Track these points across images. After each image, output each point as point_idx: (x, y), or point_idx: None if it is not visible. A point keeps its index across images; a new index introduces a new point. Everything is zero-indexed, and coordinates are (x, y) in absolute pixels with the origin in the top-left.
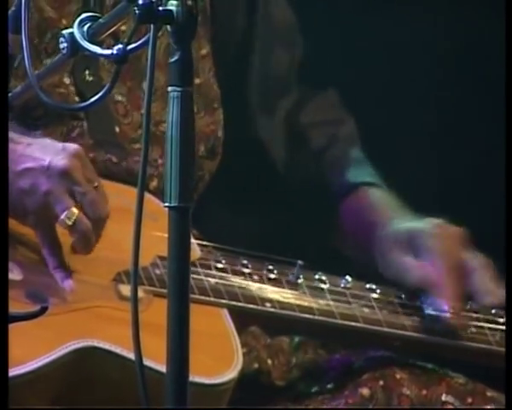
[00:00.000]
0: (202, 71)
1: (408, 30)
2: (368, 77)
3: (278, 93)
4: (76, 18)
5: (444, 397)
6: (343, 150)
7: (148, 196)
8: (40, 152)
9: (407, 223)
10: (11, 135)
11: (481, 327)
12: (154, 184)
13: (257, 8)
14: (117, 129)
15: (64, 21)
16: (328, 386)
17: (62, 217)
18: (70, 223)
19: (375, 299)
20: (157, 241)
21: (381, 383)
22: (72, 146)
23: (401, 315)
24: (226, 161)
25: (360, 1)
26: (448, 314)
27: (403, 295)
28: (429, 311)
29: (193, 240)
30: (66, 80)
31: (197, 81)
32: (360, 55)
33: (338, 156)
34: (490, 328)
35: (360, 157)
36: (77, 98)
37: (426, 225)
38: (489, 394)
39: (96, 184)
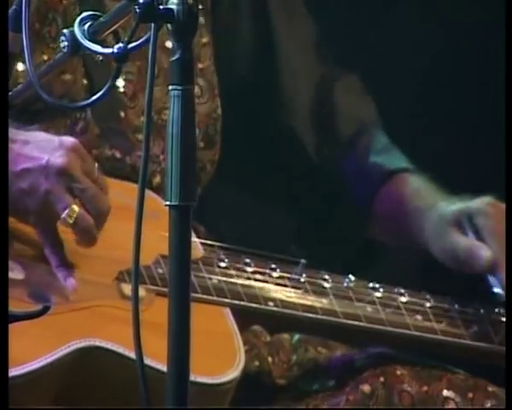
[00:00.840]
0: (204, 57)
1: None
2: (386, 64)
3: (303, 81)
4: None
5: (445, 393)
6: (371, 137)
7: (150, 193)
8: (37, 151)
9: (457, 204)
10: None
11: (483, 326)
12: (156, 180)
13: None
14: (122, 114)
15: (64, 2)
16: (329, 383)
17: (63, 215)
18: (71, 221)
19: (378, 298)
20: (159, 239)
21: (382, 379)
22: (69, 141)
23: (404, 314)
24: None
25: None
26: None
27: (405, 294)
28: (497, 290)
29: (196, 239)
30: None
31: (200, 66)
32: (375, 41)
33: (366, 143)
34: (492, 327)
35: (387, 143)
36: (85, 81)
37: (479, 204)
38: (490, 389)
39: (95, 175)
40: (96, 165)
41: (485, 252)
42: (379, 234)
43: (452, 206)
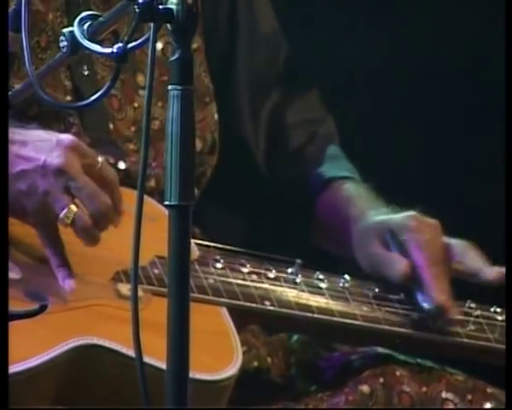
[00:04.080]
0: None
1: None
2: (346, 75)
3: (261, 93)
4: (66, 12)
5: (444, 394)
6: (321, 147)
7: (145, 197)
8: (35, 151)
9: (383, 216)
10: None
11: (480, 324)
12: (150, 184)
13: (239, 8)
14: (111, 126)
15: (51, 16)
16: (328, 384)
17: (61, 215)
18: (69, 221)
19: (373, 297)
20: (155, 241)
21: (381, 380)
22: (67, 139)
23: (400, 313)
24: (221, 158)
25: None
26: (439, 308)
27: (402, 293)
28: (425, 304)
29: (191, 239)
30: (62, 76)
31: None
32: (339, 53)
33: (316, 153)
34: (488, 325)
35: (337, 153)
36: (69, 98)
37: (402, 217)
38: (489, 390)
39: (98, 167)
40: (101, 159)
41: (400, 265)
42: (321, 241)
43: (377, 217)
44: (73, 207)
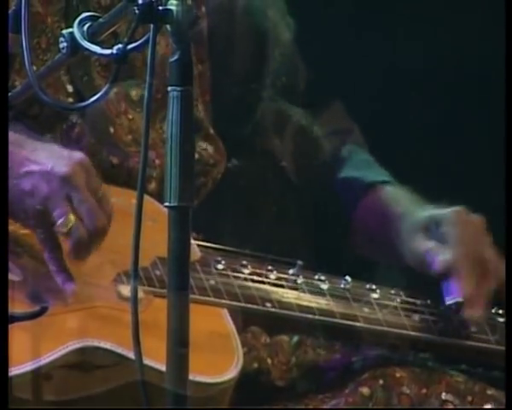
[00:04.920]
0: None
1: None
2: (367, 87)
3: (286, 108)
4: (64, 16)
5: (444, 396)
6: (352, 156)
7: (146, 197)
8: (45, 157)
9: (429, 211)
10: (17, 137)
11: (480, 325)
12: (152, 186)
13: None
14: (112, 129)
15: (49, 20)
16: (328, 385)
17: (59, 223)
18: (65, 230)
19: (375, 299)
20: (156, 242)
21: (381, 382)
22: (78, 154)
23: (401, 314)
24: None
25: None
26: (460, 304)
27: (402, 295)
28: (449, 300)
29: (192, 241)
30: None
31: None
32: (358, 65)
33: (347, 162)
34: (489, 326)
35: (370, 160)
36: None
37: (449, 211)
38: (489, 392)
39: (100, 194)
40: (103, 186)
41: (442, 256)
42: (359, 247)
43: (424, 212)
44: (72, 218)
